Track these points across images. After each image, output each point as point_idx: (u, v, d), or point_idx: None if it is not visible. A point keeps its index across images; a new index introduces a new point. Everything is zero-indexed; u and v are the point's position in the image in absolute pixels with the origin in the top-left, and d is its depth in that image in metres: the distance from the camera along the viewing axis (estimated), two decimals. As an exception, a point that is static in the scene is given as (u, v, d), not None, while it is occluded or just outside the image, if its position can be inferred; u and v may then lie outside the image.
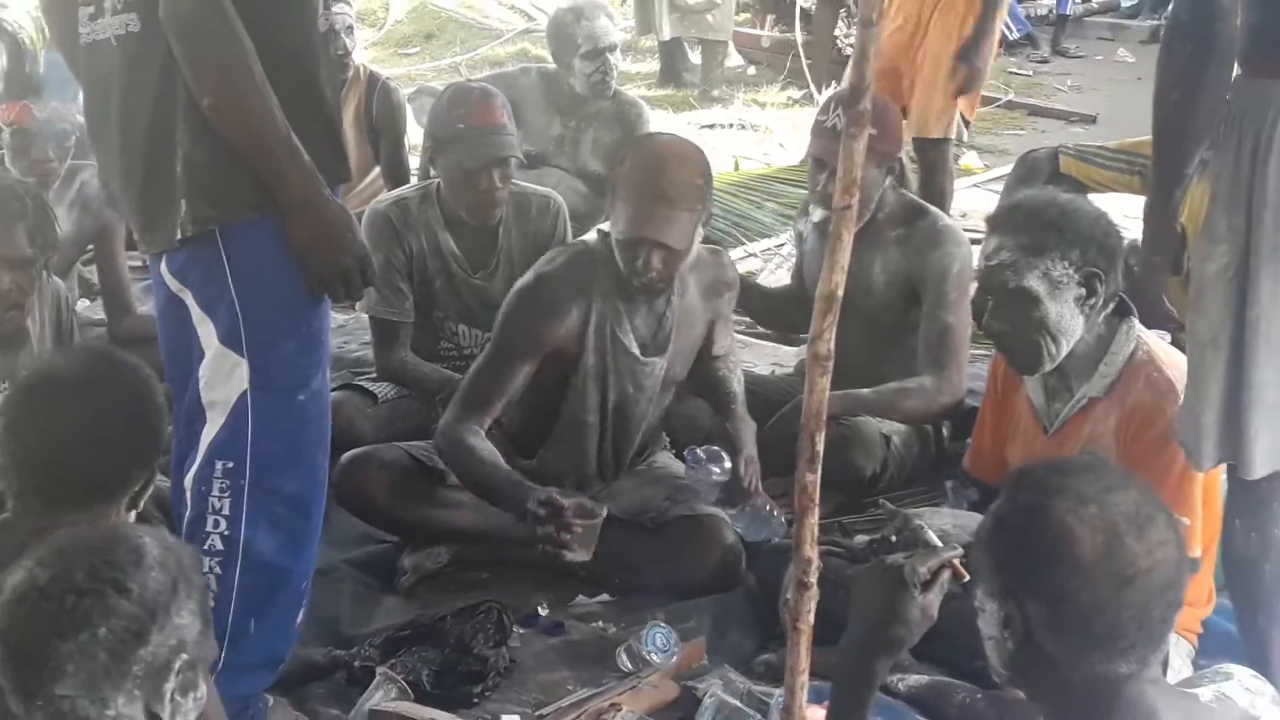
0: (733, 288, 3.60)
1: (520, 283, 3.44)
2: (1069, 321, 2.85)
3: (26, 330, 3.46)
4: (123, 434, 2.28)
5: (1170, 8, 2.60)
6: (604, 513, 3.16)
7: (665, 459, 3.63)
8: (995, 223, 2.96)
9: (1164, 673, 2.32)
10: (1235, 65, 2.51)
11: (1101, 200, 4.37)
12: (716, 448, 3.47)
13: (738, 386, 3.61)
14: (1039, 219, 2.87)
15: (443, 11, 10.74)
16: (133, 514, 2.30)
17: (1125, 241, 4.59)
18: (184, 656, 1.73)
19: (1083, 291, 2.84)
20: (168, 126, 2.46)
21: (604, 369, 3.40)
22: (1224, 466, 2.79)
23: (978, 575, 1.84)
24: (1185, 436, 2.62)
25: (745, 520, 3.42)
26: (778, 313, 4.46)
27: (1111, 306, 2.90)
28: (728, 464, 3.42)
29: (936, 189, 5.31)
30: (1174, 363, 2.88)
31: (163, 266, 2.60)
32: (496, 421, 3.42)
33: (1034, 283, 2.83)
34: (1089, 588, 1.70)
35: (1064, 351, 2.88)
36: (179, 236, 2.48)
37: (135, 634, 1.68)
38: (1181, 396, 2.74)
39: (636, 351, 3.40)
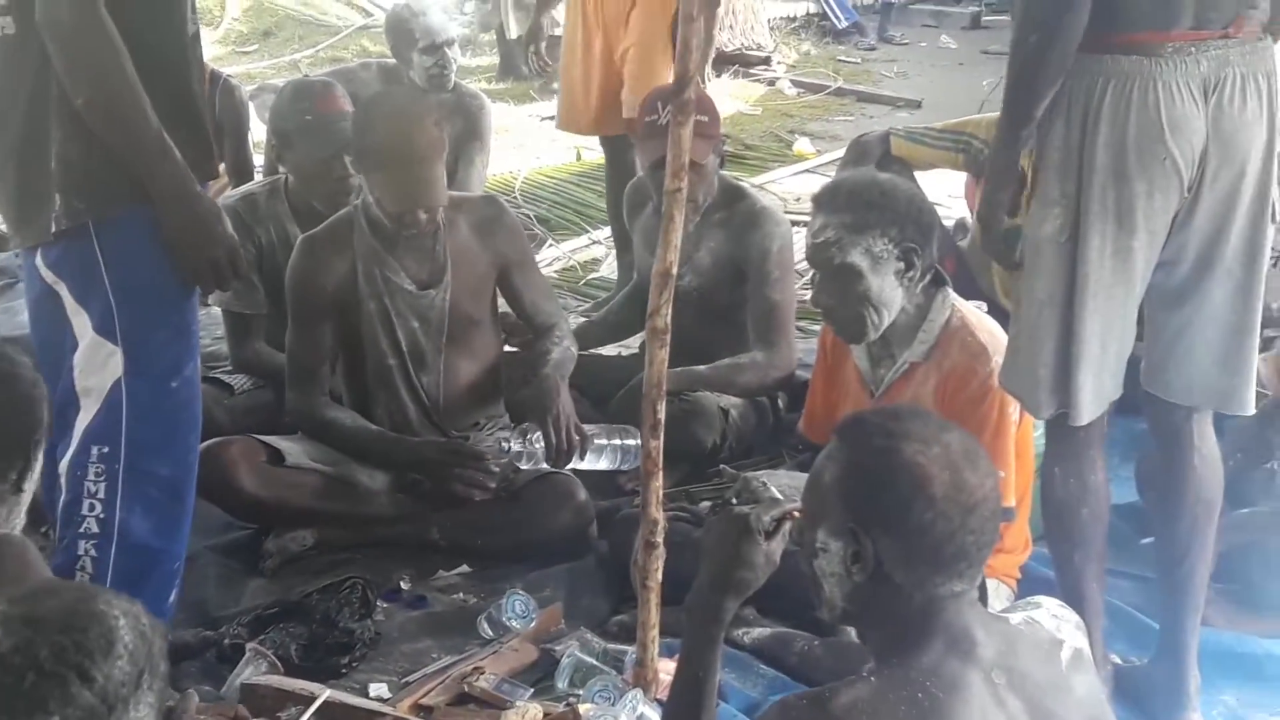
0: (511, 229, 3.72)
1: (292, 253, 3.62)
2: (890, 293, 3.04)
3: None
4: None
5: None
6: (506, 456, 3.46)
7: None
8: (820, 202, 3.11)
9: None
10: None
11: (928, 179, 4.62)
12: (523, 425, 3.54)
13: (557, 354, 3.64)
14: (859, 199, 3.04)
15: (280, 9, 10.69)
16: (22, 497, 2.32)
17: (954, 221, 4.82)
18: None
19: (901, 265, 3.02)
20: (42, 125, 2.54)
21: (385, 310, 3.55)
22: (1032, 423, 3.03)
23: (817, 519, 1.95)
24: (1021, 389, 2.80)
25: (601, 458, 3.56)
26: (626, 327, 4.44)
27: (928, 278, 3.08)
28: (538, 433, 3.48)
29: None
30: (985, 327, 3.09)
31: (37, 260, 2.67)
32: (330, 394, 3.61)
33: (857, 258, 3.01)
34: (942, 519, 1.84)
35: (886, 322, 3.06)
36: (53, 230, 2.56)
37: None
38: (993, 358, 2.95)
39: (411, 286, 3.55)
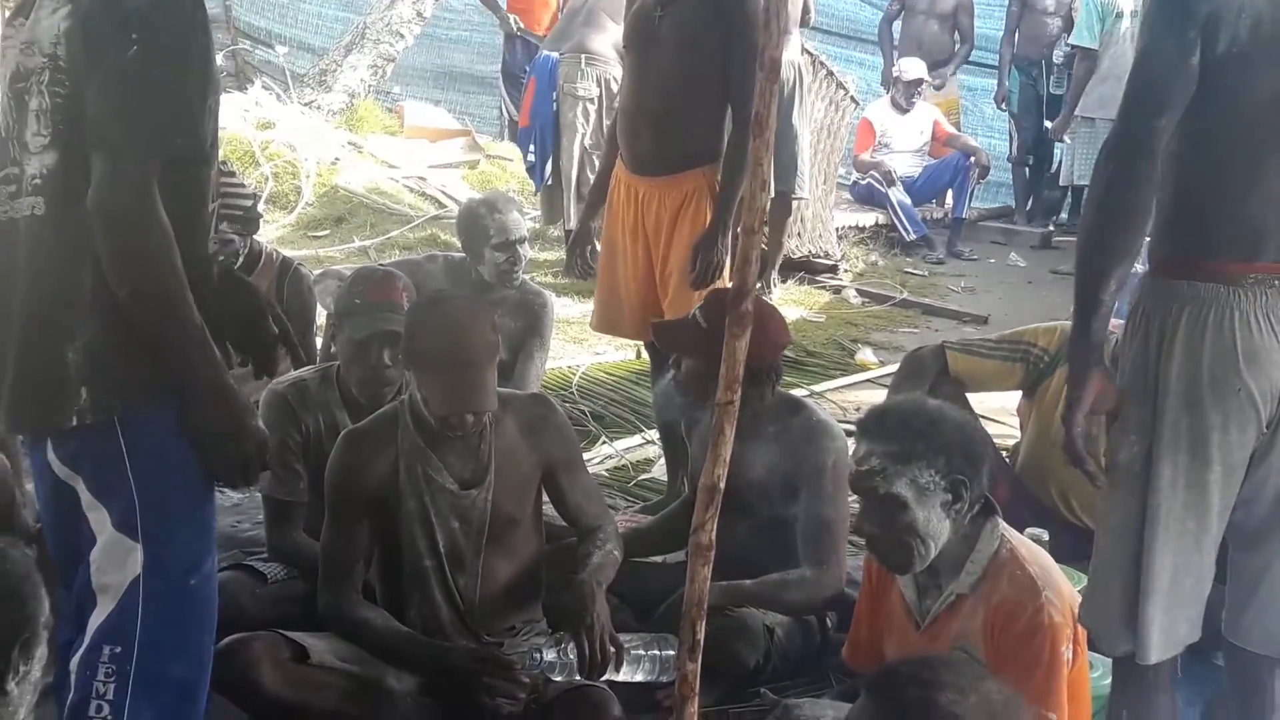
0: (559, 429, 3.65)
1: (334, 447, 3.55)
2: (936, 525, 2.91)
3: None
4: None
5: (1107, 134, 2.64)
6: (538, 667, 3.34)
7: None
8: (865, 429, 3.00)
9: None
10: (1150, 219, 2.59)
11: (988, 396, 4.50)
12: (558, 634, 3.44)
13: (598, 558, 3.52)
14: (906, 428, 2.93)
15: (354, 197, 10.84)
16: (10, 699, 2.23)
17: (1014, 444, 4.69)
18: None
19: (949, 497, 2.90)
20: (65, 313, 2.49)
21: (425, 510, 3.47)
22: (1088, 664, 2.89)
23: None
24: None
25: (638, 669, 3.43)
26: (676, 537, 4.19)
27: (977, 508, 2.96)
28: (571, 644, 3.36)
29: None
30: (1036, 559, 2.96)
31: (49, 454, 2.60)
32: (366, 588, 3.51)
33: (902, 489, 2.89)
34: None
35: (933, 553, 2.93)
36: (74, 423, 2.50)
37: None
38: (1043, 593, 2.83)
39: (453, 486, 3.47)
